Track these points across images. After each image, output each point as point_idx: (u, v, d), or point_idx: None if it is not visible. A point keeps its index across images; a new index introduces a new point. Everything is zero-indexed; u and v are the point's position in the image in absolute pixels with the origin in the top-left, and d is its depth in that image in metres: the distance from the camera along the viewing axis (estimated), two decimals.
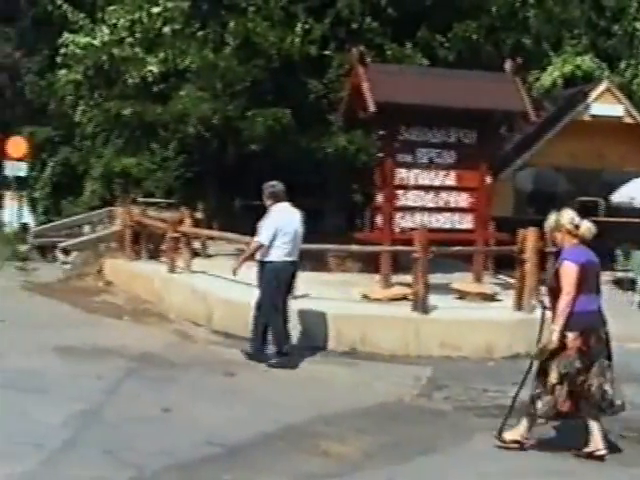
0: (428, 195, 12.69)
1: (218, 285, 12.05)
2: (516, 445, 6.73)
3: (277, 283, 9.61)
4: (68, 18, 20.17)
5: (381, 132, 13.12)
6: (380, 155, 12.98)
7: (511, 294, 11.57)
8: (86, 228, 20.66)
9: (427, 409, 8.13)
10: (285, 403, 7.92)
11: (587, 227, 6.75)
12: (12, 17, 38.43)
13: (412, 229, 11.99)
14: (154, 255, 15.53)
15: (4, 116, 40.04)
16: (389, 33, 15.94)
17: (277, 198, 9.80)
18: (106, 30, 18.29)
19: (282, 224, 9.60)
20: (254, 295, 9.70)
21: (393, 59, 15.49)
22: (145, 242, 15.78)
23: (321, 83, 15.97)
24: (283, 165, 15.96)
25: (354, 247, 13.02)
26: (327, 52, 15.97)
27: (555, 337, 6.51)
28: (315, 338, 10.40)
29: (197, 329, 11.36)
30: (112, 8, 18.35)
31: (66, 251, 17.50)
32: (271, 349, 9.59)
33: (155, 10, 16.86)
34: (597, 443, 6.57)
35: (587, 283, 6.62)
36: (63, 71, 20.02)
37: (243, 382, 8.75)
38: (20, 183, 23.43)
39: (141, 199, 20.56)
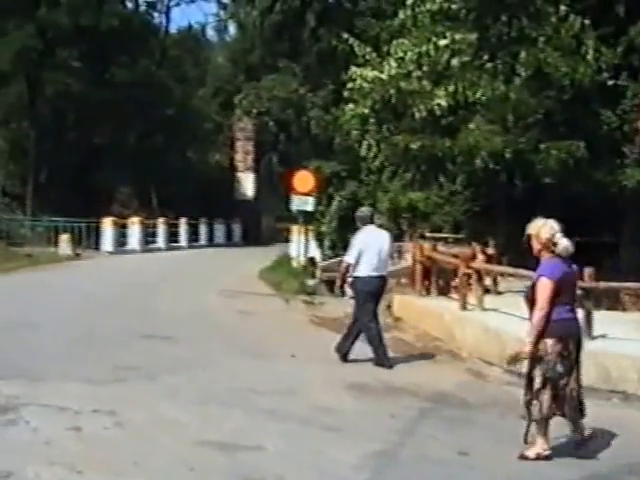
0: None
1: (511, 323, 12.06)
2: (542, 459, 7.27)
3: (365, 295, 11.50)
4: (354, 52, 21.01)
5: None
6: None
7: None
8: None
9: None
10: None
11: (564, 246, 7.32)
12: (297, 53, 40.82)
13: None
14: (444, 291, 15.74)
15: (291, 151, 42.60)
16: None
17: (363, 221, 11.88)
18: (393, 63, 18.87)
19: (365, 244, 11.51)
20: None
21: None
22: (435, 278, 16.04)
23: (614, 114, 15.64)
24: (573, 198, 15.77)
25: None
26: (620, 81, 15.63)
27: (527, 349, 7.27)
28: (614, 380, 10.21)
29: (490, 368, 11.31)
30: (399, 41, 18.96)
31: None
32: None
33: (442, 43, 17.25)
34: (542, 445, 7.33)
35: (564, 295, 7.32)
36: (349, 105, 20.74)
37: None
38: (307, 217, 24.48)
39: (428, 234, 20.84)
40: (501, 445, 7.80)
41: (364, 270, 11.48)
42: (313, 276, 21.46)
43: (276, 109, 41.24)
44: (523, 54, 15.62)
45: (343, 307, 17.09)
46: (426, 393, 9.79)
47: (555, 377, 7.28)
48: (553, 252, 7.34)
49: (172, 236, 40.57)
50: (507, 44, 16.29)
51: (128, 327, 13.73)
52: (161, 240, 39.40)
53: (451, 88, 17.20)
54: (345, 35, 21.74)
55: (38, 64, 40.48)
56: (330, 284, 20.36)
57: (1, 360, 10.19)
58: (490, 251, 17.44)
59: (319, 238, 26.26)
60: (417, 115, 18.21)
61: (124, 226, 36.51)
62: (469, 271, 13.95)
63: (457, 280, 14.45)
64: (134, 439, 7.34)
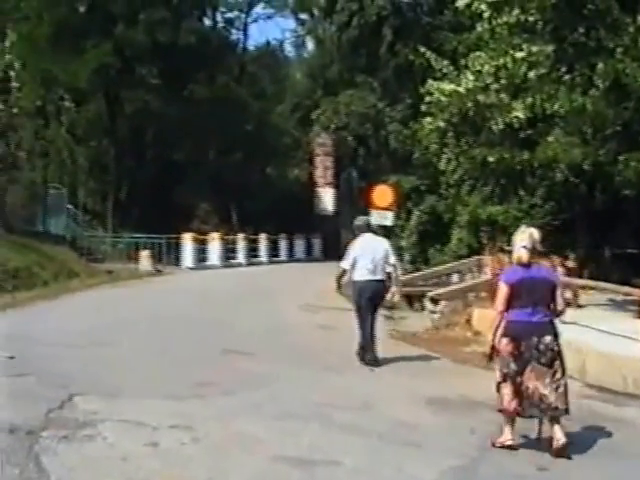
0: None
1: (591, 336, 11.96)
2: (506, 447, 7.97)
3: (360, 297, 12.53)
4: (431, 66, 21.10)
5: None
6: None
7: None
8: (454, 277, 21.01)
9: None
10: None
11: (517, 255, 8.13)
12: (374, 68, 41.07)
13: None
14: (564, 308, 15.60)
15: (369, 166, 42.78)
16: None
17: (360, 230, 12.92)
18: (470, 76, 18.88)
19: (360, 251, 12.52)
20: (632, 348, 9.71)
21: None
22: None
23: None
24: None
25: None
26: None
27: (488, 344, 8.34)
28: None
29: (571, 382, 11.27)
30: (476, 54, 18.99)
31: (434, 300, 17.74)
32: None
33: (519, 55, 17.19)
34: (506, 435, 8.01)
35: (520, 299, 8.02)
36: (427, 119, 20.81)
37: (621, 440, 8.66)
38: (386, 232, 24.57)
39: (508, 247, 20.71)
40: (581, 459, 7.79)
41: (360, 274, 12.48)
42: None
43: (354, 124, 41.59)
44: (601, 65, 15.47)
45: (423, 321, 17.25)
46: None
47: (511, 374, 8.03)
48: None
49: (252, 251, 40.88)
50: (584, 55, 16.15)
51: (207, 342, 13.94)
52: (241, 255, 39.78)
53: (529, 100, 17.14)
54: (422, 49, 21.83)
55: (117, 82, 41.34)
56: (410, 298, 20.43)
57: (81, 376, 10.39)
58: (570, 264, 17.29)
59: (399, 253, 26.19)
60: (495, 128, 18.22)
61: (204, 242, 36.91)
62: None
63: None
64: (211, 455, 7.43)
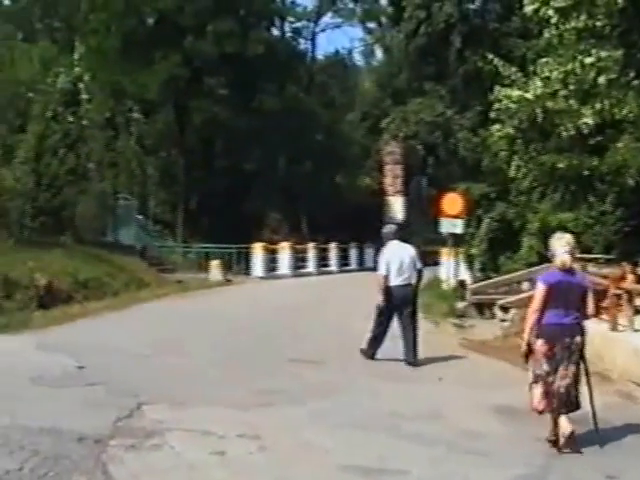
0: None
1: None
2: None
3: (391, 301, 13.28)
4: (499, 73, 21.03)
5: None
6: None
7: None
8: (525, 285, 20.83)
9: None
10: None
11: (561, 260, 8.44)
12: (443, 75, 40.97)
13: None
14: (594, 312, 15.46)
15: (439, 173, 42.65)
16: None
17: (387, 238, 13.90)
18: (539, 83, 18.83)
19: (389, 257, 13.45)
20: None
21: None
22: None
23: None
24: None
25: None
26: None
27: (522, 344, 8.68)
28: None
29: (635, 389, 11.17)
30: (544, 60, 18.89)
31: (504, 308, 17.71)
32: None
33: (588, 60, 17.08)
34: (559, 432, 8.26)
35: (555, 301, 8.37)
36: (496, 126, 20.78)
37: None
38: (456, 240, 24.52)
39: (579, 254, 20.44)
40: None
41: (391, 279, 13.36)
42: (463, 299, 21.42)
43: (423, 132, 41.50)
44: None
45: (493, 330, 17.15)
46: (573, 415, 9.67)
47: (543, 375, 8.42)
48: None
49: (322, 260, 41.05)
50: None
51: (275, 351, 14.08)
52: (311, 265, 39.94)
53: (598, 106, 17.01)
54: (490, 56, 21.77)
55: (185, 93, 41.94)
56: (480, 307, 20.35)
57: (149, 385, 10.55)
58: None
59: (469, 260, 26.14)
60: (564, 134, 18.09)
61: (274, 251, 37.14)
62: (619, 292, 13.72)
63: (607, 301, 14.23)
64: (278, 464, 7.48)
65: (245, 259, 36.08)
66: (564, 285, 8.43)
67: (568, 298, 8.43)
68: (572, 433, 8.17)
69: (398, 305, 13.41)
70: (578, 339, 8.44)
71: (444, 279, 26.41)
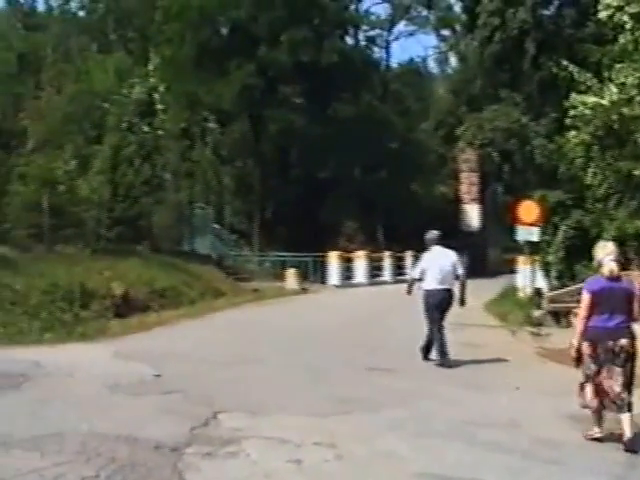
0: None
1: None
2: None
3: (429, 305, 13.91)
4: (574, 79, 20.85)
5: None
6: None
7: None
8: None
9: None
10: None
11: (608, 269, 8.81)
12: (517, 82, 40.71)
13: None
14: None
15: (515, 181, 42.30)
16: None
17: (430, 243, 14.40)
18: (614, 89, 18.65)
19: (430, 262, 14.04)
20: None
21: None
22: None
23: None
24: None
25: None
26: None
27: (572, 350, 9.05)
28: None
29: None
30: (619, 66, 18.70)
31: None
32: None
33: None
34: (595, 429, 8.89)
35: (600, 306, 8.76)
36: (572, 133, 20.56)
37: None
38: (532, 248, 24.32)
39: None
40: None
41: (430, 284, 13.91)
42: (539, 307, 21.28)
43: (499, 139, 41.21)
44: None
45: (570, 338, 16.92)
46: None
47: (591, 374, 8.88)
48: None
49: (398, 269, 41.01)
50: None
51: (351, 359, 14.19)
52: (387, 273, 39.96)
53: None
54: (565, 62, 21.61)
55: (260, 102, 42.08)
56: (557, 315, 20.18)
57: (225, 393, 10.67)
58: None
59: (545, 268, 25.86)
60: None
61: (350, 260, 37.25)
62: None
63: None
64: (354, 472, 7.54)
65: (321, 268, 36.24)
66: (607, 291, 8.82)
67: (612, 303, 8.81)
68: (630, 439, 8.53)
69: (434, 308, 13.95)
70: (623, 342, 8.77)
71: (520, 287, 26.22)
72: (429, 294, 14.00)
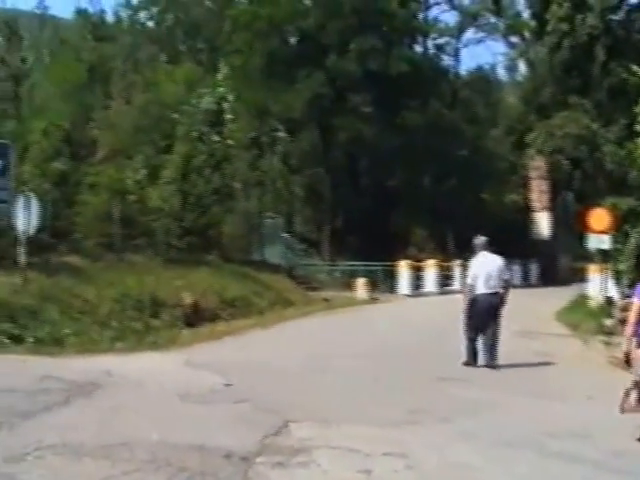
0: None
1: None
2: None
3: (477, 310, 14.27)
4: None
5: None
6: None
7: None
8: None
9: None
10: None
11: None
12: (587, 89, 40.32)
13: None
14: None
15: (585, 188, 41.87)
16: None
17: (478, 248, 14.68)
18: None
19: (477, 268, 14.38)
20: None
21: None
22: None
23: None
24: None
25: None
26: None
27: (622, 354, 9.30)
28: None
29: None
30: None
31: None
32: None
33: None
34: None
35: None
36: None
37: None
38: (604, 256, 24.11)
39: None
40: None
41: (479, 288, 14.25)
42: (610, 316, 21.07)
43: (569, 146, 40.88)
44: None
45: None
46: None
47: (638, 379, 9.01)
48: None
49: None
50: None
51: (422, 369, 14.17)
52: (457, 282, 39.73)
53: None
54: (635, 67, 21.44)
55: (330, 111, 42.22)
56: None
57: (296, 402, 10.67)
58: None
59: (616, 277, 25.58)
60: None
61: (420, 269, 37.15)
62: None
63: None
64: None
65: (391, 277, 36.19)
66: None
67: None
68: None
69: (483, 312, 14.30)
70: None
71: (592, 296, 25.97)
72: (477, 299, 14.36)
